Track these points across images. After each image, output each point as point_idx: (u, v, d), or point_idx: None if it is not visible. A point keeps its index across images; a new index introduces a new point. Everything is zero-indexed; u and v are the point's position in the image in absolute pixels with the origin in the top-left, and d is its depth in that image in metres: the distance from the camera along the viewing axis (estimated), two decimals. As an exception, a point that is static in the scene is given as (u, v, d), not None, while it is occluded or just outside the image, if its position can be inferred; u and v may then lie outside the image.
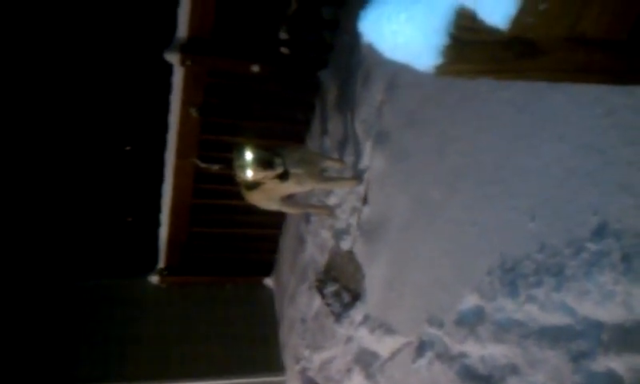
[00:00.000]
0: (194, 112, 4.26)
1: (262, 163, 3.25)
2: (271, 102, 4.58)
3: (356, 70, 3.93)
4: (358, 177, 3.75)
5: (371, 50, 1.11)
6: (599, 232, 1.90)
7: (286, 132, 4.73)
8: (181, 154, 4.52)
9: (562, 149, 2.09)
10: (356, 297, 3.71)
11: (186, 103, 4.24)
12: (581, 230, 1.97)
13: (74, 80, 5.00)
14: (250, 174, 3.25)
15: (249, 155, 3.21)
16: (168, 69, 4.12)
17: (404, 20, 0.96)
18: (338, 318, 3.82)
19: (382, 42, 0.99)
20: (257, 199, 3.71)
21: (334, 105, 4.27)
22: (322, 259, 4.29)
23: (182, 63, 4.03)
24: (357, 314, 3.68)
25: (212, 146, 4.55)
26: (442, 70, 1.01)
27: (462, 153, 2.73)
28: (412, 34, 0.96)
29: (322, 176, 3.85)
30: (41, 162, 5.25)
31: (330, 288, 3.96)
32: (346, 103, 4.04)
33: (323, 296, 4.00)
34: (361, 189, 3.76)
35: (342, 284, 3.90)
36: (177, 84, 4.18)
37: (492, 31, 0.96)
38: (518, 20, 0.94)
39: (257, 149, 3.24)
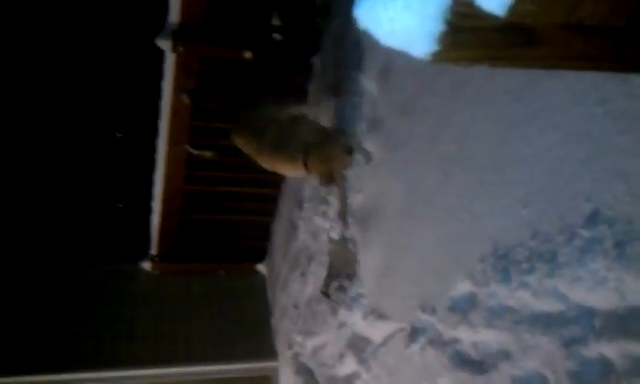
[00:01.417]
0: (185, 98, 4.24)
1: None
2: (263, 88, 4.56)
3: (349, 56, 3.91)
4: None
5: (365, 36, 1.10)
6: (592, 219, 1.91)
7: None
8: (173, 141, 4.50)
9: (556, 136, 2.09)
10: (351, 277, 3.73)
11: (177, 90, 4.21)
12: (573, 216, 1.98)
13: (65, 66, 4.95)
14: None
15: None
16: (160, 55, 4.09)
17: (400, 6, 0.95)
18: (349, 307, 3.80)
19: (377, 28, 0.98)
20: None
21: (326, 91, 4.26)
22: (315, 246, 4.30)
23: (174, 49, 3.99)
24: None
25: (204, 132, 4.53)
26: (438, 57, 1.00)
27: (456, 140, 2.74)
28: (408, 20, 0.96)
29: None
30: (31, 149, 5.21)
31: (334, 285, 3.96)
32: (339, 89, 4.03)
33: (330, 297, 3.98)
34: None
35: (341, 275, 3.91)
36: (168, 70, 4.15)
37: (489, 18, 0.96)
38: (515, 6, 0.93)
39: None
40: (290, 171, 3.71)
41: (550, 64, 1.24)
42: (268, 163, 3.73)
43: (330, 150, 3.37)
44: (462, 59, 1.09)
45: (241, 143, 3.88)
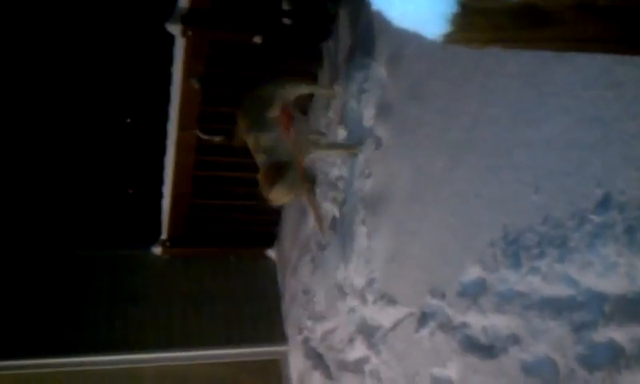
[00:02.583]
0: (195, 83, 4.24)
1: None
2: (273, 73, 4.55)
3: (359, 41, 3.90)
4: (357, 145, 3.76)
5: (377, 20, 1.10)
6: (603, 204, 1.90)
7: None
8: (183, 126, 4.51)
9: (567, 121, 2.08)
10: None
11: (187, 74, 4.21)
12: (584, 201, 1.97)
13: (76, 51, 4.97)
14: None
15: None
16: (170, 40, 4.09)
17: (412, -13, 0.95)
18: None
19: (389, 10, 0.98)
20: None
21: (336, 76, 4.25)
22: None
23: (184, 34, 3.99)
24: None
25: (214, 117, 4.54)
26: (450, 39, 1.00)
27: (466, 125, 2.72)
28: (420, 1, 0.95)
29: (320, 143, 3.96)
30: (44, 135, 5.24)
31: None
32: (349, 75, 4.02)
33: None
34: None
35: None
36: (178, 55, 4.15)
37: (501, -1, 0.95)
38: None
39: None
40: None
41: (561, 46, 1.23)
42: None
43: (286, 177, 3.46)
44: (474, 41, 1.09)
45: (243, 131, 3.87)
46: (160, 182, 4.95)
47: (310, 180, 3.51)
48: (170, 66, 4.24)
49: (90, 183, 5.60)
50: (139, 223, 5.45)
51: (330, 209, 4.19)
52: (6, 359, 4.55)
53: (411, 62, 3.28)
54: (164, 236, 5.28)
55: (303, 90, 4.13)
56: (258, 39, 4.18)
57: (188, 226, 5.26)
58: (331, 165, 4.18)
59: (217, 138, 4.57)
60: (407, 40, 3.27)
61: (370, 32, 3.75)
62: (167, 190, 4.96)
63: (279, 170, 3.46)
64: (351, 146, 3.84)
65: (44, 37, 4.78)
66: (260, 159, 3.64)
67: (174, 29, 3.96)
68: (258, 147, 3.64)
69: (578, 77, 2.02)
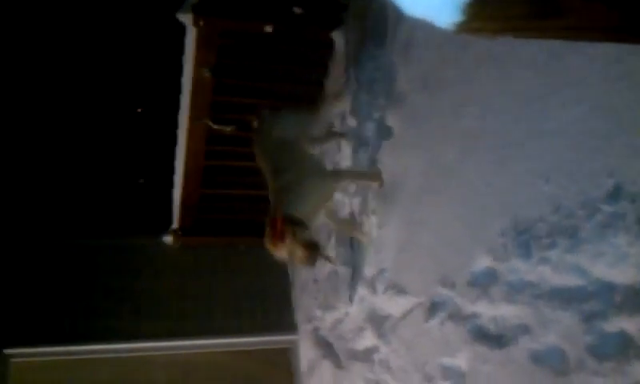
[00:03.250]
0: (206, 73, 4.25)
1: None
2: (284, 63, 4.55)
3: (371, 29, 3.89)
4: (378, 175, 3.66)
5: (389, 8, 1.10)
6: (614, 194, 1.90)
7: (298, 93, 4.70)
8: (194, 116, 4.51)
9: (578, 111, 2.07)
10: None
11: (198, 64, 4.22)
12: (596, 192, 1.97)
13: (87, 41, 4.98)
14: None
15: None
16: (181, 29, 4.10)
17: (424, -24, 0.95)
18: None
19: (402, -2, 0.98)
20: None
21: (347, 66, 4.24)
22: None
23: (195, 23, 3.99)
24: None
25: (225, 107, 4.55)
26: (462, 28, 1.00)
27: (477, 115, 2.72)
28: (433, -10, 0.96)
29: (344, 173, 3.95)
30: (55, 124, 5.27)
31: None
32: (360, 64, 4.01)
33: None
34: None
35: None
36: (189, 45, 4.15)
37: (513, -12, 0.96)
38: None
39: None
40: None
41: (573, 35, 1.23)
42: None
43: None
44: (486, 30, 1.09)
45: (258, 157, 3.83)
46: (171, 171, 4.97)
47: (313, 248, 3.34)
48: (181, 55, 4.24)
49: (100, 173, 5.62)
50: (150, 213, 5.47)
51: (340, 198, 4.19)
52: (18, 347, 4.60)
53: (423, 51, 3.27)
54: (175, 225, 5.30)
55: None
56: (269, 28, 4.18)
57: (199, 215, 5.28)
58: (342, 157, 4.18)
59: (228, 128, 4.58)
60: (419, 29, 3.26)
61: (381, 21, 3.74)
62: (178, 179, 4.98)
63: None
64: (372, 174, 3.72)
65: (55, 25, 4.79)
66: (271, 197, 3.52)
67: (185, 18, 3.96)
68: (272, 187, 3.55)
69: (589, 67, 2.01)
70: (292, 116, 3.94)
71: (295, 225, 3.17)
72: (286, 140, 3.64)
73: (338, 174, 3.86)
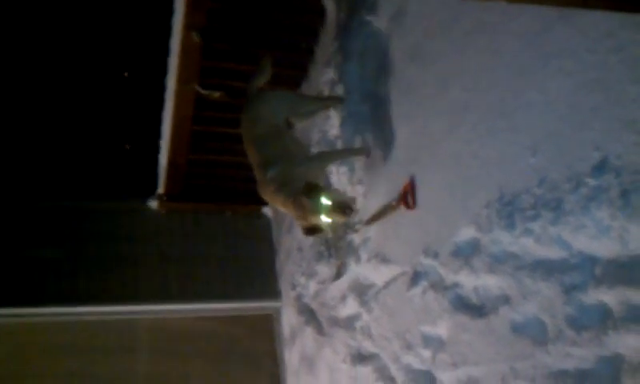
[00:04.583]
0: (195, 36, 4.18)
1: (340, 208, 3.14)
2: (274, 29, 4.50)
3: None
4: (367, 150, 3.65)
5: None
6: (599, 168, 1.91)
7: (288, 60, 4.66)
8: (182, 80, 4.45)
9: (568, 84, 2.08)
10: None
11: (187, 27, 4.15)
12: (581, 165, 1.98)
13: (73, 2, 4.89)
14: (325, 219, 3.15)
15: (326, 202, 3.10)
16: (170, -10, 4.04)
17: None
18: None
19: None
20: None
21: (337, 33, 4.20)
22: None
23: (185, -16, 3.93)
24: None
25: (213, 72, 4.50)
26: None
27: (466, 86, 2.72)
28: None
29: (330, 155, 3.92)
30: (40, 88, 5.20)
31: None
32: (351, 32, 3.98)
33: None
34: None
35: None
36: (179, 6, 4.09)
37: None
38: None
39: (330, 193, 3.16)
40: (283, 208, 3.56)
41: (568, 2, 1.22)
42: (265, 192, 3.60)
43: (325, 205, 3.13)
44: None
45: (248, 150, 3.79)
46: (157, 136, 4.93)
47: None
48: (170, 17, 4.18)
49: (86, 137, 5.57)
50: (136, 178, 5.44)
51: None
52: (4, 307, 4.59)
53: (414, 21, 3.25)
54: (161, 190, 5.27)
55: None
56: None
57: (185, 181, 5.25)
58: (330, 125, 4.16)
59: (216, 94, 4.53)
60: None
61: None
62: (165, 144, 4.93)
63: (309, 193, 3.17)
64: (358, 150, 3.74)
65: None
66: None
67: (175, -21, 3.90)
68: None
69: (581, 39, 2.01)
70: (279, 94, 3.90)
71: (321, 190, 3.16)
72: (271, 129, 3.62)
73: (324, 158, 3.84)
